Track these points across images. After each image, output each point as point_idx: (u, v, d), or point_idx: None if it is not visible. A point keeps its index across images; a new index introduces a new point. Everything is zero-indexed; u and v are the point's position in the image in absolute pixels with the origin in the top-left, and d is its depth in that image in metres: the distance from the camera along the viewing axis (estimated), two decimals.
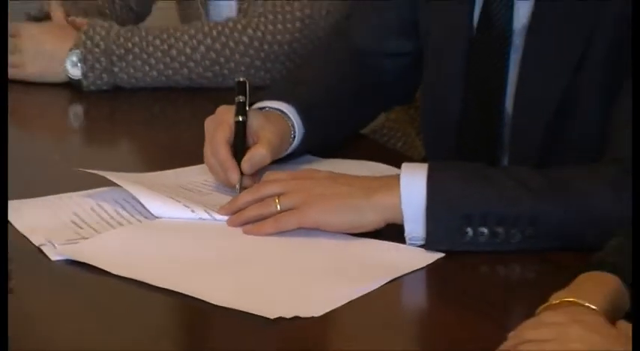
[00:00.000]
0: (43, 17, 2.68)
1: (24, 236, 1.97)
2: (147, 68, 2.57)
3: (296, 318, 1.73)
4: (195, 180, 2.20)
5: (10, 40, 2.60)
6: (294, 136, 2.23)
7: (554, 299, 1.67)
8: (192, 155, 2.18)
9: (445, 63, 2.32)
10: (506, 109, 2.25)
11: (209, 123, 2.17)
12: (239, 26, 2.60)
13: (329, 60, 2.47)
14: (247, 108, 2.15)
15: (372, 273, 1.89)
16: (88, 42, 2.58)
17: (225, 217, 2.04)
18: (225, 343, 1.75)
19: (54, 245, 1.94)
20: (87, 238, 1.97)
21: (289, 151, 2.24)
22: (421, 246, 1.96)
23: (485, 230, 1.95)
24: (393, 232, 1.97)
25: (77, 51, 2.57)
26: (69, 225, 2.02)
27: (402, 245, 1.96)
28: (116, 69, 2.57)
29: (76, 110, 2.56)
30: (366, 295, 1.82)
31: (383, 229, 1.98)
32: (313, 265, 1.94)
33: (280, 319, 1.73)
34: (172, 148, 2.26)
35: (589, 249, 1.81)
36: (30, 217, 2.04)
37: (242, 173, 2.11)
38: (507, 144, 2.27)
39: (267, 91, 2.29)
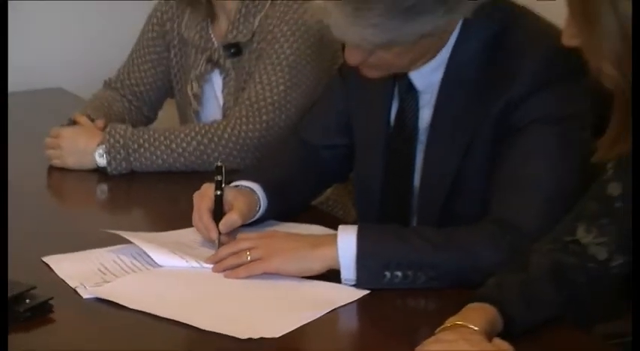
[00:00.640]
0: (74, 123, 2.70)
1: (63, 280, 1.98)
2: (154, 158, 2.56)
3: (261, 338, 1.77)
4: (188, 238, 2.18)
5: (53, 141, 2.63)
6: (260, 207, 2.21)
7: (448, 323, 1.71)
8: (186, 220, 2.17)
9: (370, 153, 2.28)
10: (415, 186, 2.22)
11: (196, 196, 2.17)
12: (221, 127, 2.58)
13: (286, 151, 2.44)
14: (224, 185, 2.13)
15: (318, 304, 1.90)
16: (111, 139, 2.56)
17: (211, 265, 2.04)
18: None
19: (85, 287, 1.95)
20: (109, 282, 1.98)
21: (256, 217, 2.21)
22: (353, 285, 1.96)
23: (399, 274, 1.95)
24: (332, 275, 1.97)
25: (102, 146, 2.56)
26: (96, 272, 2.02)
27: (339, 285, 1.96)
28: (132, 159, 2.55)
29: (103, 188, 2.55)
30: (313, 320, 1.84)
31: (325, 273, 1.98)
32: (274, 299, 1.94)
33: (250, 339, 1.76)
34: (172, 214, 2.25)
35: (474, 286, 1.83)
36: (68, 266, 2.04)
37: (220, 233, 2.11)
38: (415, 211, 2.23)
39: (241, 173, 2.27)
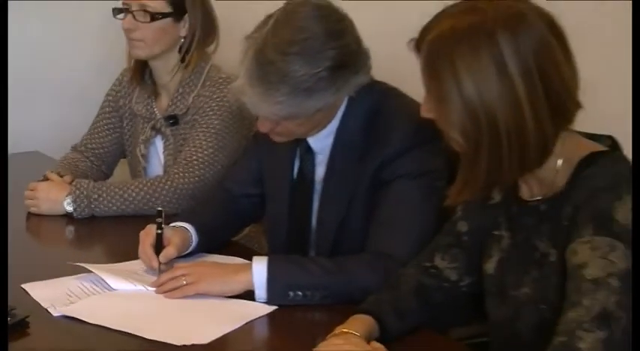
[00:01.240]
0: (47, 178, 2.67)
1: (37, 302, 1.96)
2: (110, 205, 2.53)
3: (193, 344, 1.76)
4: (136, 267, 2.15)
5: (31, 192, 2.60)
6: (192, 242, 2.19)
7: (337, 330, 1.72)
8: (135, 253, 2.15)
9: (278, 200, 2.27)
10: (312, 225, 2.22)
11: (141, 234, 2.15)
12: (163, 181, 2.56)
13: (213, 199, 2.40)
14: (163, 225, 2.11)
15: (238, 317, 1.90)
16: (77, 191, 2.54)
17: (154, 288, 2.02)
18: None
19: (55, 307, 1.93)
20: (74, 303, 1.96)
21: (189, 250, 2.19)
22: (264, 302, 1.95)
23: (300, 293, 1.95)
24: (248, 294, 1.97)
25: (70, 196, 2.53)
26: (64, 295, 2.00)
27: (253, 302, 1.96)
28: (93, 206, 2.52)
29: (70, 229, 2.50)
30: (235, 329, 1.85)
31: (243, 293, 1.97)
32: (203, 314, 1.93)
33: (184, 346, 1.76)
34: (124, 249, 2.20)
35: (357, 302, 1.84)
36: (41, 291, 2.02)
37: (160, 262, 2.09)
38: (313, 244, 2.23)
39: (178, 216, 2.26)
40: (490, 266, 1.78)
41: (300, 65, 1.94)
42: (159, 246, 2.12)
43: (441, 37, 1.57)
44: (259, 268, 1.97)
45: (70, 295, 2.01)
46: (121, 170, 3.01)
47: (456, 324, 2.12)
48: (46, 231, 2.58)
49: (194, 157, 2.59)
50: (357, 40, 2.04)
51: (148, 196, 2.55)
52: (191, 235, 2.20)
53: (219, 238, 2.32)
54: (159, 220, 2.13)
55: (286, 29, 1.96)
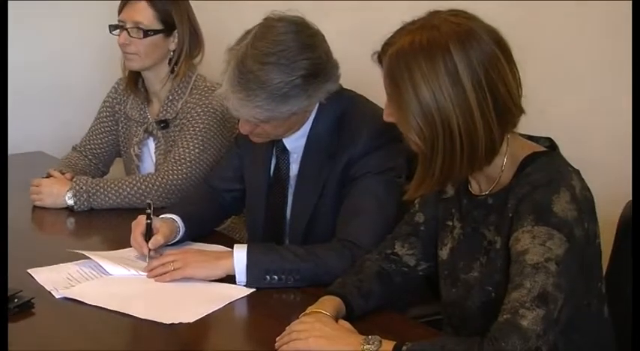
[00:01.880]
0: (50, 175, 2.66)
1: (42, 285, 1.96)
2: (107, 199, 2.51)
3: (180, 323, 1.76)
4: (129, 254, 2.14)
5: (35, 188, 2.58)
6: (179, 232, 2.18)
7: (308, 310, 1.72)
8: (128, 242, 2.14)
9: (256, 195, 2.26)
10: (287, 217, 2.21)
11: (133, 224, 2.14)
12: (154, 178, 2.54)
13: (198, 194, 2.40)
14: (152, 216, 2.11)
15: (220, 298, 1.89)
16: (77, 187, 2.52)
17: (145, 273, 2.02)
18: (146, 339, 1.77)
19: (57, 290, 1.93)
20: (74, 286, 1.95)
21: (176, 239, 2.18)
22: (244, 286, 1.95)
23: (275, 277, 1.95)
24: (229, 279, 1.96)
25: (70, 191, 2.51)
26: (65, 279, 1.99)
27: (234, 285, 1.95)
28: (91, 200, 2.50)
29: (70, 221, 2.49)
30: (218, 309, 1.85)
31: (225, 277, 1.97)
32: (188, 296, 1.92)
33: (172, 324, 1.76)
34: (119, 238, 2.20)
35: (326, 285, 1.84)
36: (45, 275, 2.01)
37: (150, 249, 2.08)
38: (287, 234, 2.22)
39: (167, 209, 2.25)
40: (444, 253, 1.78)
41: (276, 74, 1.96)
42: (149, 234, 2.10)
43: (401, 51, 1.57)
44: (239, 255, 1.95)
45: (70, 279, 2.00)
46: (117, 168, 2.98)
47: (414, 304, 2.12)
48: (49, 222, 2.55)
49: (182, 157, 2.58)
50: (327, 52, 2.06)
51: (140, 191, 2.53)
52: (178, 225, 2.19)
53: (204, 227, 2.31)
54: (148, 211, 2.12)
55: (264, 42, 1.97)
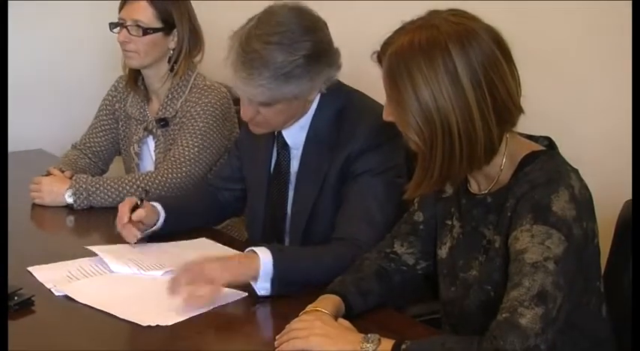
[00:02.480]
0: (50, 173, 2.66)
1: (42, 283, 1.96)
2: (107, 197, 2.51)
3: (157, 326, 1.75)
4: (132, 249, 2.15)
5: (36, 186, 2.58)
6: (159, 218, 2.21)
7: (308, 309, 1.72)
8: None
9: (257, 192, 2.27)
10: (287, 214, 2.21)
11: (121, 203, 2.20)
12: (154, 176, 2.54)
13: (195, 191, 2.45)
14: (144, 198, 2.19)
15: (218, 299, 1.83)
16: (76, 185, 2.52)
17: (146, 272, 2.00)
18: (146, 337, 1.74)
19: (57, 287, 1.93)
20: (72, 284, 1.96)
21: (157, 226, 2.21)
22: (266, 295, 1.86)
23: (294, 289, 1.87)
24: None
25: (70, 189, 2.51)
26: (65, 277, 1.99)
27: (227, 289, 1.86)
28: (91, 198, 2.50)
29: (70, 218, 2.49)
30: (216, 308, 1.81)
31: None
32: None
33: (149, 326, 1.75)
34: (118, 235, 2.19)
35: (325, 284, 1.82)
36: (45, 273, 2.01)
37: (131, 219, 2.14)
38: (288, 232, 2.22)
39: (155, 200, 2.27)
40: (443, 252, 1.78)
41: (279, 53, 1.98)
42: (133, 210, 2.16)
43: (400, 51, 1.57)
44: (266, 263, 1.87)
45: (70, 277, 2.00)
46: (116, 166, 2.98)
47: (412, 303, 2.12)
48: (49, 220, 2.56)
49: (181, 155, 2.58)
50: (329, 38, 2.08)
51: (139, 189, 2.52)
52: (158, 212, 2.21)
53: (189, 223, 2.30)
54: (142, 195, 2.19)
55: (268, 24, 2.01)
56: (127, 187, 2.54)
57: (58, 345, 1.70)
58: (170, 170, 2.57)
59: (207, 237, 2.27)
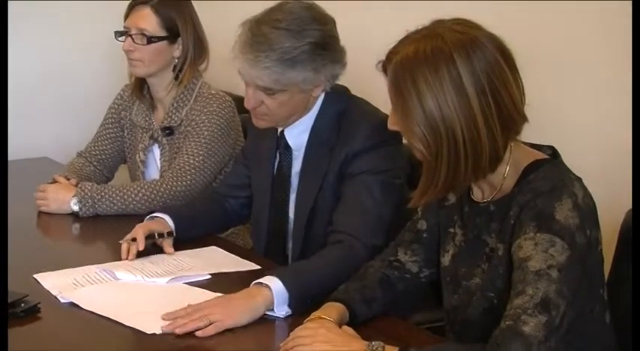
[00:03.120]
0: (55, 181, 2.67)
1: (47, 290, 1.96)
2: (112, 205, 2.51)
3: (162, 333, 1.75)
4: (135, 263, 2.14)
5: (41, 193, 2.59)
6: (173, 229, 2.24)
7: (312, 316, 1.72)
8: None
9: (260, 194, 2.29)
10: (290, 216, 2.23)
11: (138, 226, 2.22)
12: (159, 184, 2.55)
13: (200, 199, 2.46)
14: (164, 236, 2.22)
15: None
16: (82, 192, 2.52)
17: (154, 278, 2.02)
18: (150, 343, 1.74)
19: (62, 295, 1.94)
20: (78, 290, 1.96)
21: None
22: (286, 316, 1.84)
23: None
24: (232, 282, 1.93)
25: (76, 197, 2.52)
26: (71, 284, 1.99)
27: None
28: (96, 206, 2.51)
29: (76, 226, 2.49)
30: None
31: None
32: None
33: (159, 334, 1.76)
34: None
35: (330, 292, 1.82)
36: (50, 280, 2.01)
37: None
38: (290, 236, 2.24)
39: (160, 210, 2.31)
40: (446, 259, 1.78)
41: (286, 38, 2.03)
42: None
43: (405, 60, 1.58)
44: (279, 292, 1.85)
45: (76, 284, 2.00)
46: (122, 174, 2.99)
47: (416, 310, 2.12)
48: (55, 227, 2.56)
49: (186, 164, 2.59)
50: (336, 34, 2.12)
51: (145, 197, 2.54)
52: (167, 222, 2.25)
53: (197, 230, 2.33)
54: (164, 235, 2.22)
55: (279, 11, 2.07)
56: (132, 195, 2.54)
57: None
58: (175, 179, 2.57)
59: (212, 245, 2.28)
